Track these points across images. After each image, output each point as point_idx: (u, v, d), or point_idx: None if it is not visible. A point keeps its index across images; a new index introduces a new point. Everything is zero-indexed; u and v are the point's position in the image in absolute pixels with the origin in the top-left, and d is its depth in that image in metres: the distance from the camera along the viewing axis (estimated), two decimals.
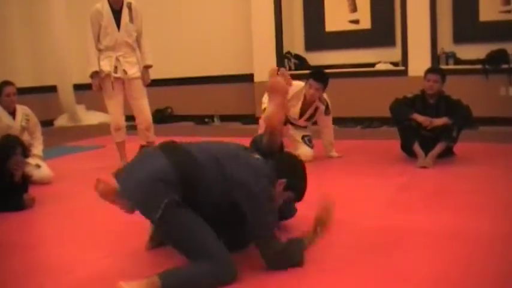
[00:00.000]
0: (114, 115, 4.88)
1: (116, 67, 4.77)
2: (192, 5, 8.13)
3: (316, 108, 4.86)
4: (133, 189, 2.31)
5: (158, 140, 4.92)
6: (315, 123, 5.04)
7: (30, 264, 2.61)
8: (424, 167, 4.30)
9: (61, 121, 8.73)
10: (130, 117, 5.16)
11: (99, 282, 2.34)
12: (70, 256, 2.67)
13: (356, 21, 7.46)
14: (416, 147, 4.47)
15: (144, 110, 4.95)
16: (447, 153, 4.56)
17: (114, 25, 4.74)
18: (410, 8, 6.79)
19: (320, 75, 4.81)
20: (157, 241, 2.69)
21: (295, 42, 7.85)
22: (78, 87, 8.58)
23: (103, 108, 8.91)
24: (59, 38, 8.19)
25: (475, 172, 4.12)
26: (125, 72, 4.79)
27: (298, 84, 4.77)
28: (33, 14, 8.55)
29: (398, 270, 2.30)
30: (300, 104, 4.81)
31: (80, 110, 8.75)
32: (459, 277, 2.22)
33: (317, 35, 7.66)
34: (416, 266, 2.34)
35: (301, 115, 4.87)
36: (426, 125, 4.42)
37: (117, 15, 4.76)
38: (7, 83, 4.45)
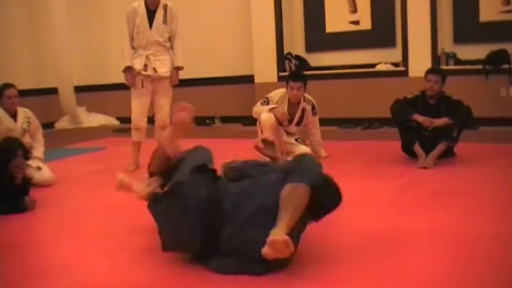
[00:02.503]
0: (135, 115, 4.95)
1: (145, 65, 4.84)
2: (192, 7, 8.13)
3: (303, 110, 4.93)
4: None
5: None
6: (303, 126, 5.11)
7: (30, 266, 2.61)
8: (425, 168, 4.30)
9: (62, 123, 8.75)
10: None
11: (99, 284, 2.34)
12: (70, 258, 2.67)
13: (356, 22, 7.47)
14: (417, 148, 4.47)
15: (162, 110, 5.03)
16: (448, 154, 4.56)
17: (147, 24, 4.82)
18: (410, 8, 6.79)
19: (297, 75, 5.02)
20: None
21: (296, 43, 7.85)
22: (78, 89, 8.60)
23: (104, 110, 9.04)
24: (60, 40, 8.20)
25: (476, 173, 4.12)
26: (154, 70, 4.85)
27: (279, 92, 4.95)
28: (34, 16, 8.57)
29: (399, 271, 2.30)
30: (285, 107, 4.87)
31: (81, 112, 8.77)
32: (460, 278, 2.22)
33: (317, 36, 7.67)
34: (416, 267, 2.34)
35: (290, 121, 4.93)
36: (427, 126, 4.42)
37: (151, 15, 4.84)
38: (8, 85, 4.45)
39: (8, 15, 8.32)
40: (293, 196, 2.28)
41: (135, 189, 2.79)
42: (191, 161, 2.52)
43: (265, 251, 2.18)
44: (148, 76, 4.87)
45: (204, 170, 2.48)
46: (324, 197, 2.42)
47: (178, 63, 4.98)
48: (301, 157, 2.57)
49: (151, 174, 2.72)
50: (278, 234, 2.16)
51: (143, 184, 2.74)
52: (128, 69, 4.89)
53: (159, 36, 4.86)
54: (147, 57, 4.85)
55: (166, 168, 2.59)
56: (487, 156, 4.69)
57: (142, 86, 4.88)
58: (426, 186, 3.80)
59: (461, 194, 3.52)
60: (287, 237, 2.15)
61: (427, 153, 4.42)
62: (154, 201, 2.54)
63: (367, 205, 3.39)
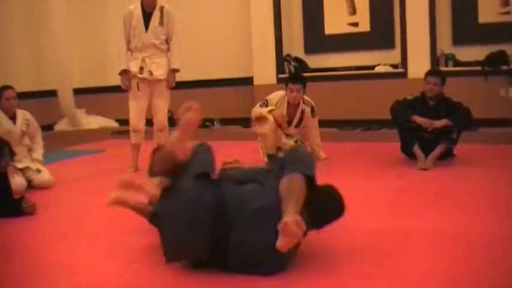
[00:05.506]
0: (133, 118, 4.94)
1: (141, 68, 4.83)
2: (191, 9, 8.14)
3: (303, 112, 4.94)
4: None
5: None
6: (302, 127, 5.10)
7: (30, 267, 2.60)
8: (424, 169, 4.30)
9: (61, 125, 8.74)
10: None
11: (100, 285, 2.34)
12: (70, 259, 2.67)
13: (355, 24, 7.48)
14: (417, 149, 4.47)
15: (159, 112, 5.00)
16: (447, 155, 4.56)
17: (143, 27, 4.82)
18: (409, 10, 6.80)
19: (297, 77, 5.02)
20: None
21: (295, 45, 7.86)
22: (78, 92, 8.59)
23: (103, 113, 9.03)
24: (59, 42, 8.19)
25: (475, 174, 4.12)
26: (150, 73, 4.84)
27: (278, 94, 4.94)
28: (34, 18, 8.56)
29: (398, 272, 2.30)
30: (285, 109, 4.87)
31: (80, 114, 8.75)
32: (459, 278, 2.22)
33: (316, 38, 7.68)
34: (416, 267, 2.34)
35: (289, 123, 4.93)
36: (426, 127, 4.42)
37: (147, 17, 4.83)
38: (7, 87, 4.45)
39: (8, 17, 8.31)
40: (291, 186, 2.29)
41: (146, 187, 2.61)
42: (195, 165, 2.45)
43: (280, 242, 2.13)
44: (145, 79, 4.86)
45: (207, 176, 2.44)
46: (323, 204, 2.45)
47: (175, 66, 4.96)
48: (294, 149, 2.58)
49: (154, 175, 2.61)
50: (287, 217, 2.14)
51: (153, 183, 2.58)
52: (124, 73, 4.88)
53: (155, 38, 4.85)
54: (143, 59, 4.83)
55: (172, 171, 2.48)
56: (486, 157, 4.69)
57: (138, 89, 4.87)
58: (426, 188, 3.80)
59: (461, 195, 3.52)
60: (297, 217, 2.12)
61: (426, 154, 4.41)
62: (160, 203, 2.46)
63: (367, 206, 3.38)
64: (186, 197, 2.32)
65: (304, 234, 2.37)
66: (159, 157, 2.56)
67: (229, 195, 2.35)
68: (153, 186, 2.56)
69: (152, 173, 2.60)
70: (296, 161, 2.42)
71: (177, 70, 5.00)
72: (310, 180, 2.38)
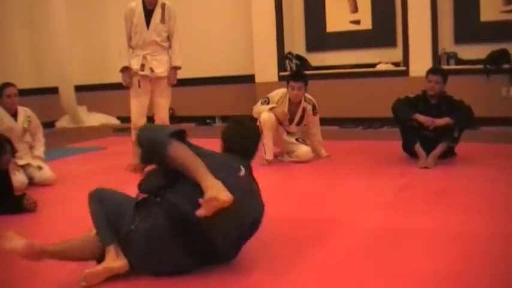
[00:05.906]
0: (134, 115, 4.94)
1: (143, 65, 4.83)
2: (193, 7, 8.14)
3: (304, 110, 4.93)
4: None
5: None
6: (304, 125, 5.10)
7: (30, 265, 2.60)
8: (426, 168, 4.30)
9: (62, 122, 8.75)
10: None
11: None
12: None
13: (357, 22, 7.46)
14: (418, 148, 4.47)
15: (160, 110, 5.00)
16: (448, 154, 4.55)
17: (144, 24, 4.81)
18: (411, 8, 6.79)
19: (298, 75, 5.05)
20: None
21: (296, 43, 7.85)
22: (79, 89, 8.59)
23: (104, 110, 9.04)
24: (60, 39, 8.20)
25: (477, 172, 4.12)
26: (151, 70, 4.84)
27: (279, 92, 4.95)
28: (34, 16, 8.57)
29: (399, 271, 2.30)
30: (286, 107, 4.87)
31: (82, 111, 8.76)
32: (460, 278, 2.22)
33: (318, 36, 7.67)
34: (416, 267, 2.34)
35: (291, 121, 4.93)
36: (428, 125, 4.41)
37: (149, 14, 4.83)
38: (8, 84, 4.45)
39: (8, 17, 8.32)
40: (177, 161, 2.24)
41: (107, 266, 2.32)
42: (122, 206, 2.39)
43: (202, 211, 2.16)
44: (146, 76, 4.85)
45: (142, 203, 2.35)
46: (238, 136, 2.74)
47: (176, 63, 4.95)
48: (143, 135, 2.39)
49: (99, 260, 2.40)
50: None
51: (110, 259, 2.33)
52: (125, 70, 4.88)
53: (157, 35, 4.84)
54: (144, 57, 4.82)
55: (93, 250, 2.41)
56: (488, 156, 4.69)
57: (140, 86, 4.87)
58: (427, 186, 3.80)
59: (462, 194, 3.52)
60: (208, 187, 2.17)
61: (427, 153, 4.41)
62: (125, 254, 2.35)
63: (368, 205, 3.38)
64: (142, 232, 2.26)
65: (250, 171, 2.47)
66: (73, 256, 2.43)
67: (176, 200, 2.25)
68: (112, 261, 2.33)
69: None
70: (153, 136, 2.32)
71: (179, 67, 4.99)
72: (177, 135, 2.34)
